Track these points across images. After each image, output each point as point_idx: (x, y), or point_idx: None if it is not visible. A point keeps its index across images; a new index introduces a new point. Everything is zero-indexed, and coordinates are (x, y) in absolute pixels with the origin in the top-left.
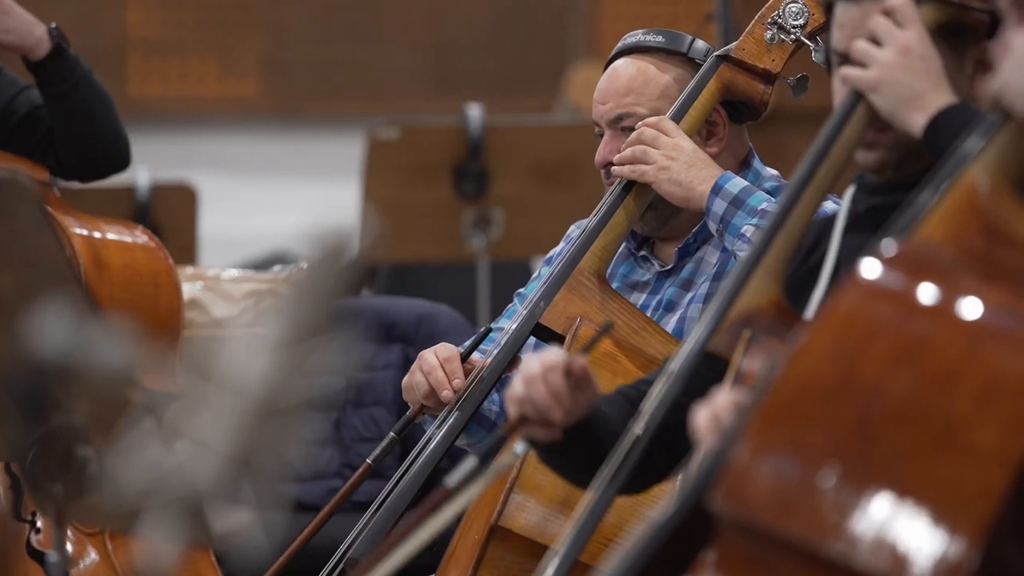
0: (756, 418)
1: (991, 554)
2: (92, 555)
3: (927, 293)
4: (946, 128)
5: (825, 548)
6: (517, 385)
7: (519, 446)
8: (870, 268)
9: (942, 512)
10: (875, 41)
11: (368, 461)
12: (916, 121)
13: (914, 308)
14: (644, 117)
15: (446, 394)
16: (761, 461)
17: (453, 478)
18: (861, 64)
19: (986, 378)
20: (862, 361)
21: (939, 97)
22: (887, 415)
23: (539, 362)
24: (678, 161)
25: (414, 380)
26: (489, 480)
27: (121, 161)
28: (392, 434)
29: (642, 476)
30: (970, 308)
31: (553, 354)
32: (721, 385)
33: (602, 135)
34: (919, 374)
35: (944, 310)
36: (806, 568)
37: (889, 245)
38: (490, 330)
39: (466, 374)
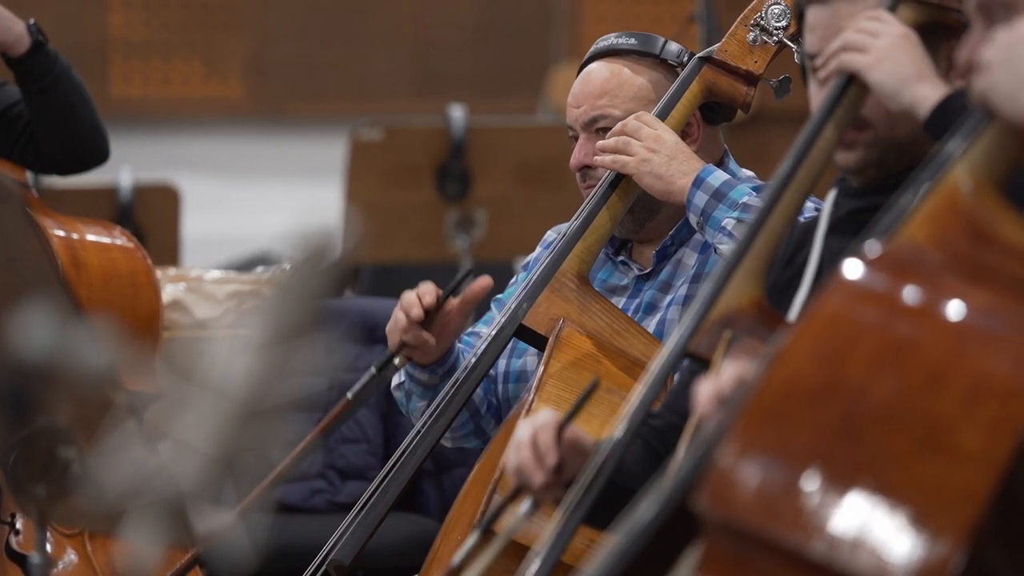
0: (741, 419)
1: (975, 558)
2: (72, 556)
3: (912, 295)
4: (957, 111)
5: (809, 549)
6: (510, 454)
7: (524, 506)
8: (854, 269)
9: (927, 514)
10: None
11: (348, 396)
12: (925, 94)
13: (899, 309)
14: (619, 119)
15: (416, 312)
16: (746, 462)
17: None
18: (856, 50)
19: (972, 380)
20: (847, 363)
21: (940, 83)
22: (872, 417)
23: (530, 424)
24: (659, 154)
25: (394, 317)
26: (500, 547)
27: (101, 154)
28: (372, 369)
29: (625, 478)
30: (955, 310)
31: (543, 415)
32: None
33: (577, 139)
34: (904, 376)
35: (929, 312)
36: (791, 569)
37: (873, 246)
38: (471, 272)
39: (446, 316)
